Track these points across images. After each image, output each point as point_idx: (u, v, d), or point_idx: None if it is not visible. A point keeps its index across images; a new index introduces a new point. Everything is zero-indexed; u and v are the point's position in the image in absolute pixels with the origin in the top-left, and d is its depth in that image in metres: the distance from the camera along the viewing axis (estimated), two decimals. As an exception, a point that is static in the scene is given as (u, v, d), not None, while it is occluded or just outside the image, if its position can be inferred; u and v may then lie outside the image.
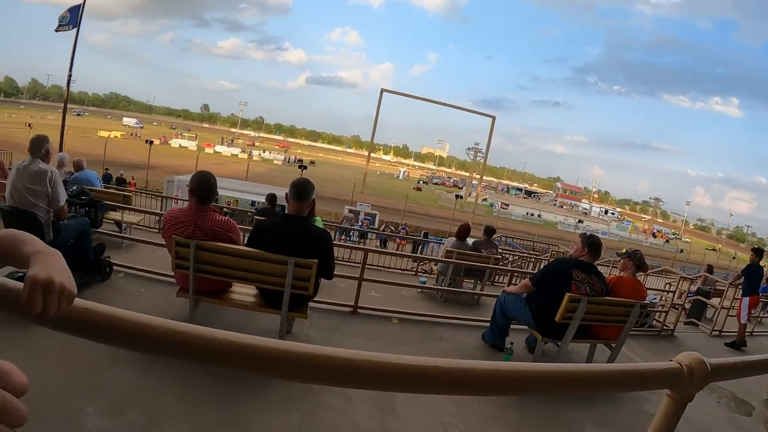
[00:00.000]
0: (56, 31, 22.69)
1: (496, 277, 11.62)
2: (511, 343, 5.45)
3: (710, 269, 13.85)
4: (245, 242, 4.37)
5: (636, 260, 5.53)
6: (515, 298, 5.43)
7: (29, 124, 53.16)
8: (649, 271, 15.51)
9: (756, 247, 10.49)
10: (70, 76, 24.93)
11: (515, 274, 11.10)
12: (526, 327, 5.51)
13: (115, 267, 5.71)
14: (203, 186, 4.15)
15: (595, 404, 4.56)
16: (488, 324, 5.87)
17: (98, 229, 6.73)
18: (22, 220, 4.68)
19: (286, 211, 4.29)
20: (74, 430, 3.05)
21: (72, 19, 22.66)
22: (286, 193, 4.18)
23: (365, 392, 3.86)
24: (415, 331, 5.94)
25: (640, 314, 5.47)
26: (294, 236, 4.03)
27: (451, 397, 4.02)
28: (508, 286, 7.23)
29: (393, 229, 27.89)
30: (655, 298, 10.13)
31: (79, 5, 22.83)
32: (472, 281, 9.39)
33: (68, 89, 27.04)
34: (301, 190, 4.11)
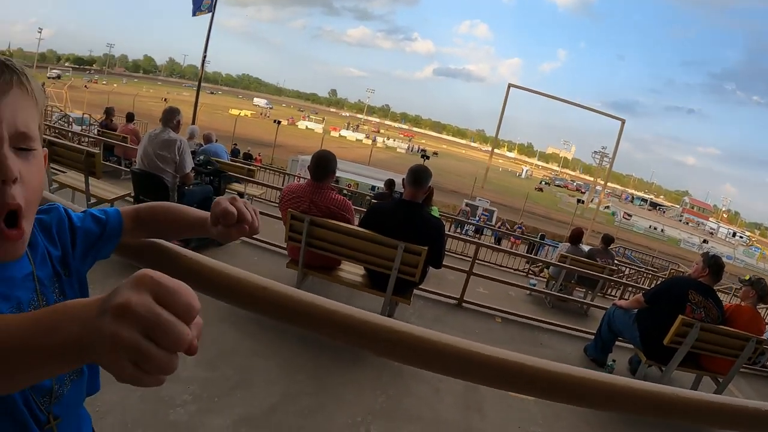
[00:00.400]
0: (194, 15, 24.05)
1: (609, 289, 11.07)
2: (613, 360, 5.23)
3: None
4: (358, 223, 4.44)
5: (759, 290, 4.99)
6: (625, 313, 5.12)
7: (165, 99, 56.99)
8: None
9: None
10: (204, 56, 26.52)
11: (629, 288, 10.60)
12: (631, 345, 5.21)
13: None
14: (321, 164, 4.26)
15: None
16: (593, 337, 5.60)
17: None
18: (149, 183, 5.06)
19: (402, 197, 4.30)
20: (170, 375, 3.26)
21: (210, 4, 23.98)
22: (403, 179, 4.21)
23: (453, 386, 3.85)
24: (517, 333, 5.79)
25: (755, 350, 4.91)
26: (406, 221, 4.04)
27: (539, 407, 3.90)
28: (620, 299, 6.90)
29: (509, 227, 27.40)
30: None
31: (217, -10, 24.18)
32: (583, 290, 9.03)
33: (203, 69, 28.83)
34: (418, 176, 4.11)
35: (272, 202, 11.54)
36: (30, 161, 0.75)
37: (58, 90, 40.91)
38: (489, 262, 12.24)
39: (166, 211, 0.97)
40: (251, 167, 11.43)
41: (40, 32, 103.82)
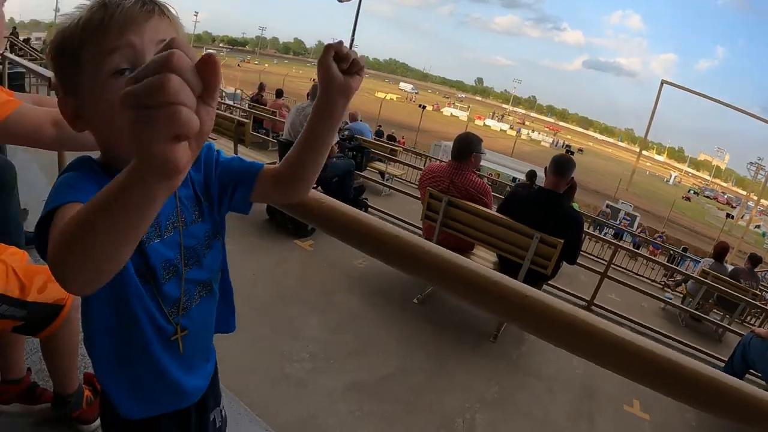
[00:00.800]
0: (340, 1, 24.72)
1: (749, 315, 10.08)
2: None
3: None
4: (497, 208, 4.38)
5: None
6: (762, 343, 4.57)
7: (313, 79, 59.43)
8: None
9: None
10: (352, 40, 27.26)
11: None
12: (764, 382, 4.62)
13: (370, 209, 6.20)
14: (463, 144, 4.28)
15: None
16: (723, 364, 5.10)
17: (362, 173, 7.34)
18: None
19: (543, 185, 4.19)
20: (292, 332, 3.46)
21: None
22: (545, 168, 4.10)
23: (569, 389, 3.77)
24: None
25: None
26: (545, 211, 3.91)
27: (654, 429, 3.70)
28: (759, 327, 6.33)
29: (647, 234, 25.94)
30: None
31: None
32: (721, 312, 8.36)
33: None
34: (561, 165, 3.99)
35: (412, 183, 11.73)
36: None
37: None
38: (624, 268, 11.72)
39: (297, 142, 0.97)
40: (394, 147, 11.67)
41: (196, 15, 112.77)
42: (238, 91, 25.82)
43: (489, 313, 0.98)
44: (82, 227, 0.54)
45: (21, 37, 17.85)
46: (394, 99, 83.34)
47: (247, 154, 6.34)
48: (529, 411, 3.41)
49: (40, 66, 4.80)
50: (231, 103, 19.70)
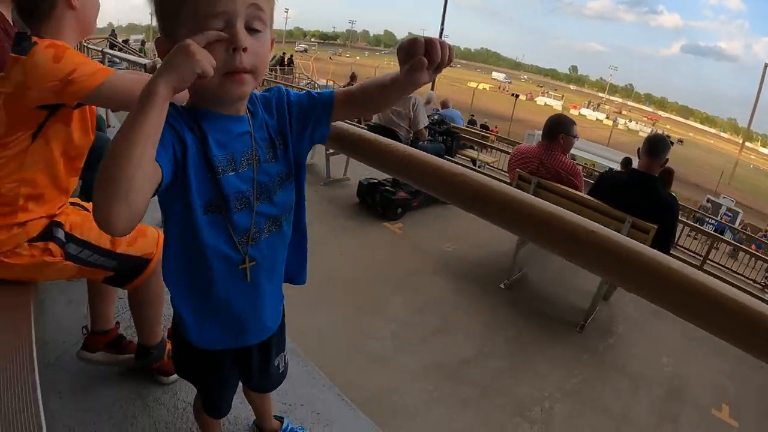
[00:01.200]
0: None
1: None
2: None
3: None
4: (588, 191, 4.23)
5: None
6: None
7: None
8: None
9: None
10: (442, 30, 27.23)
11: None
12: None
13: None
14: (553, 124, 4.21)
15: None
16: None
17: (452, 159, 7.30)
18: (385, 137, 5.42)
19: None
20: (376, 310, 3.50)
21: None
22: (638, 149, 3.91)
23: (654, 388, 3.58)
24: (738, 350, 5.10)
25: None
26: (638, 194, 3.70)
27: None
28: None
29: (750, 232, 24.38)
30: None
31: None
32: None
33: None
34: (654, 145, 3.79)
35: (504, 171, 11.62)
36: (259, 40, 0.89)
37: (305, 61, 44.71)
38: (722, 265, 11.12)
39: (372, 81, 1.02)
40: (486, 134, 11.59)
41: (287, 12, 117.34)
42: (330, 83, 26.31)
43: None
44: (105, 161, 0.70)
45: (120, 39, 19.02)
46: (487, 88, 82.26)
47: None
48: (610, 407, 3.29)
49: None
50: (321, 92, 20.25)
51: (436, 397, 2.89)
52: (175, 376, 1.79)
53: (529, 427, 2.87)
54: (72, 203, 1.54)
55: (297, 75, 26.92)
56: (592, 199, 3.90)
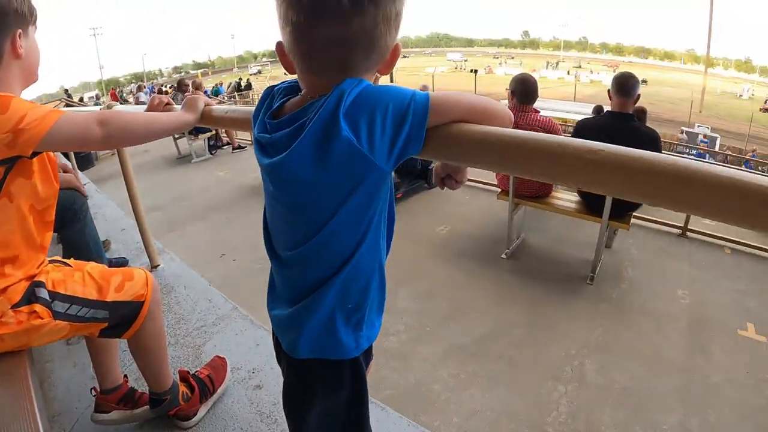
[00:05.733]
0: None
1: None
2: None
3: None
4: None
5: None
6: None
7: None
8: None
9: None
10: None
11: None
12: None
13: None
14: (524, 86, 4.19)
15: None
16: None
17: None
18: None
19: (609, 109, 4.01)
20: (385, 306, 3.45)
21: None
22: (608, 90, 3.91)
23: (677, 322, 3.58)
24: (748, 266, 5.03)
25: None
26: (618, 134, 3.68)
27: None
28: None
29: (731, 153, 24.75)
30: None
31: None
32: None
33: None
34: (624, 83, 3.80)
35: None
36: None
37: (262, 82, 45.04)
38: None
39: None
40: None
41: (233, 38, 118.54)
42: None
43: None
44: None
45: (75, 98, 19.09)
46: (445, 71, 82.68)
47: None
48: (638, 350, 3.27)
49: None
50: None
51: (463, 380, 2.86)
52: (196, 418, 1.75)
53: (564, 389, 2.85)
54: (51, 260, 1.48)
55: (254, 97, 27.13)
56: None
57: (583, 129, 4.08)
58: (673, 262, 4.83)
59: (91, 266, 1.50)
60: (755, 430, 2.83)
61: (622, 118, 3.79)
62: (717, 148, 27.14)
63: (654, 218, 5.56)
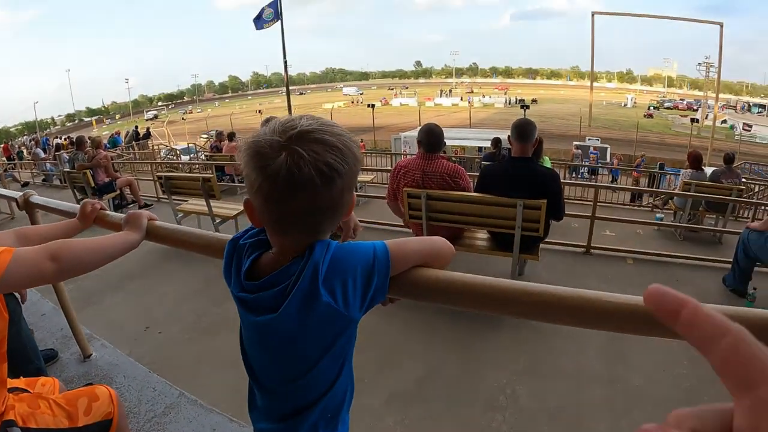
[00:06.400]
0: (261, 28, 25.14)
1: (740, 212, 10.23)
2: (755, 289, 4.84)
3: None
4: (474, 188, 4.45)
5: None
6: (760, 236, 4.70)
7: (259, 111, 60.43)
8: None
9: None
10: (285, 62, 27.90)
11: (761, 207, 9.89)
12: None
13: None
14: (429, 136, 4.34)
15: None
16: (730, 266, 5.23)
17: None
18: None
19: (511, 154, 4.27)
20: None
21: (274, 13, 24.91)
22: (508, 136, 4.18)
23: (595, 338, 3.83)
24: (651, 273, 5.56)
25: None
26: (520, 178, 4.01)
27: (683, 348, 3.74)
28: (752, 221, 6.46)
29: (620, 160, 26.49)
30: None
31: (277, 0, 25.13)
32: (714, 216, 8.49)
33: (287, 74, 30.73)
34: (523, 130, 4.07)
35: (384, 184, 11.84)
36: None
37: (159, 128, 43.86)
38: (612, 203, 11.89)
39: None
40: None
41: (128, 82, 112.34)
42: (191, 145, 25.91)
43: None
44: None
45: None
46: (342, 106, 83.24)
47: (221, 206, 6.37)
48: (563, 369, 3.54)
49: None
50: (188, 159, 19.75)
51: (410, 425, 2.97)
52: None
53: (502, 417, 3.03)
54: (10, 390, 1.49)
55: (153, 146, 26.29)
56: (481, 195, 4.15)
57: (487, 175, 4.33)
58: (580, 279, 5.18)
59: (44, 386, 1.54)
60: None
61: (523, 163, 4.09)
62: (608, 158, 28.78)
63: (560, 241, 5.91)
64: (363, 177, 10.03)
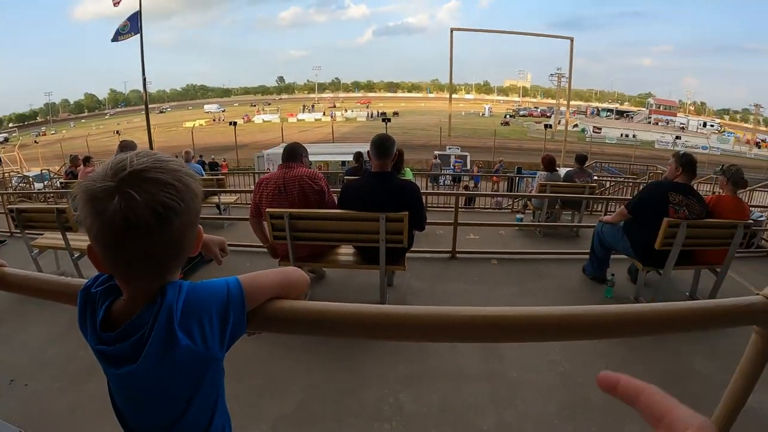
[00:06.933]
0: (116, 40, 23.99)
1: (594, 207, 11.18)
2: (612, 275, 5.28)
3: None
4: (337, 204, 4.47)
5: (730, 177, 5.07)
6: (612, 228, 5.23)
7: (117, 131, 57.21)
8: (754, 186, 14.42)
9: None
10: (144, 78, 26.67)
11: (612, 201, 10.88)
12: (627, 256, 5.25)
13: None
14: (287, 148, 4.50)
15: (710, 336, 4.29)
16: (588, 256, 5.73)
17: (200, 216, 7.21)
18: None
19: (371, 169, 4.34)
20: None
21: (133, 26, 23.94)
22: (368, 152, 4.24)
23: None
24: (515, 270, 5.89)
25: (745, 235, 5.11)
26: (381, 192, 4.09)
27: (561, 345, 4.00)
28: (605, 215, 7.03)
29: (479, 167, 27.90)
30: (762, 216, 8.80)
31: (136, 12, 24.06)
32: (570, 213, 9.14)
33: (146, 91, 29.43)
34: (381, 146, 4.13)
35: (248, 204, 11.62)
36: None
37: (10, 153, 40.55)
38: (476, 208, 12.41)
39: None
40: (219, 177, 11.46)
41: None
42: (45, 171, 24.13)
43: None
44: None
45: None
46: (203, 124, 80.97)
47: (79, 239, 5.93)
48: (442, 371, 3.63)
49: None
50: (41, 186, 18.44)
51: (296, 448, 2.94)
52: None
53: (389, 426, 3.06)
54: None
55: (4, 173, 24.34)
56: (344, 211, 4.20)
57: (349, 191, 4.38)
58: (448, 283, 5.36)
59: None
60: (558, 404, 3.34)
61: (384, 178, 4.18)
62: (468, 165, 30.10)
63: (426, 248, 6.10)
64: (226, 198, 9.87)
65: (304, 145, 4.63)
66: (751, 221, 5.27)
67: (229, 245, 5.66)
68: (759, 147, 76.98)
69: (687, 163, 4.85)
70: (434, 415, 3.19)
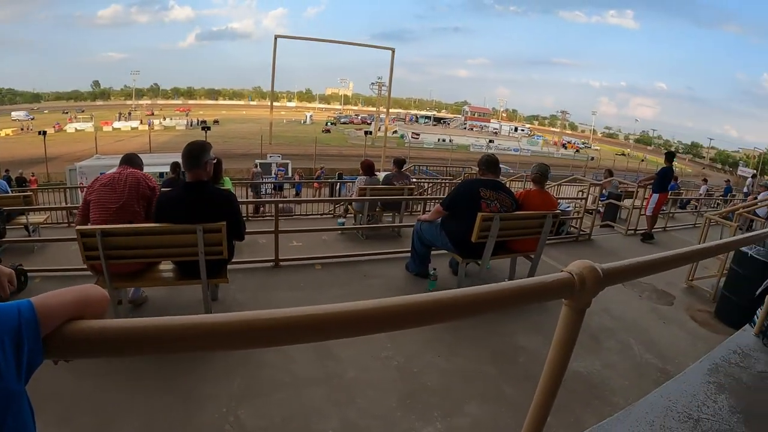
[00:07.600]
0: None
1: (414, 207, 11.86)
2: (434, 269, 5.62)
3: (610, 173, 14.34)
4: (154, 218, 4.22)
5: (534, 173, 5.90)
6: (430, 225, 5.57)
7: None
8: (561, 181, 16.92)
9: (668, 151, 11.27)
10: None
11: (430, 201, 11.39)
12: (445, 250, 5.63)
13: (30, 273, 5.29)
14: (125, 156, 4.58)
15: (529, 314, 4.81)
16: (410, 254, 6.01)
17: (5, 239, 6.51)
18: None
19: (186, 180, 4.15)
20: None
21: None
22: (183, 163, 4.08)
23: (302, 345, 3.83)
24: (340, 273, 6.01)
25: (554, 223, 5.71)
26: (197, 203, 3.94)
27: (387, 335, 4.15)
28: (423, 214, 7.36)
29: (300, 175, 28.10)
30: (569, 207, 10.51)
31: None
32: (391, 214, 9.46)
33: None
34: (192, 155, 3.97)
35: (61, 223, 10.74)
36: None
37: None
38: (299, 215, 12.46)
39: None
40: (27, 194, 10.30)
41: None
42: None
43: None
44: None
45: None
46: (10, 133, 72.98)
47: None
48: (278, 381, 3.61)
49: None
50: None
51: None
52: None
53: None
54: None
55: None
56: (159, 225, 3.98)
57: (164, 204, 4.16)
58: (273, 292, 5.38)
59: None
60: (399, 396, 3.49)
61: (198, 188, 4.01)
62: (290, 172, 30.21)
63: (249, 259, 6.04)
64: (35, 218, 8.68)
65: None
66: (559, 211, 6.08)
67: (41, 270, 5.20)
68: (565, 148, 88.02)
69: (486, 162, 5.44)
70: (278, 426, 3.15)
